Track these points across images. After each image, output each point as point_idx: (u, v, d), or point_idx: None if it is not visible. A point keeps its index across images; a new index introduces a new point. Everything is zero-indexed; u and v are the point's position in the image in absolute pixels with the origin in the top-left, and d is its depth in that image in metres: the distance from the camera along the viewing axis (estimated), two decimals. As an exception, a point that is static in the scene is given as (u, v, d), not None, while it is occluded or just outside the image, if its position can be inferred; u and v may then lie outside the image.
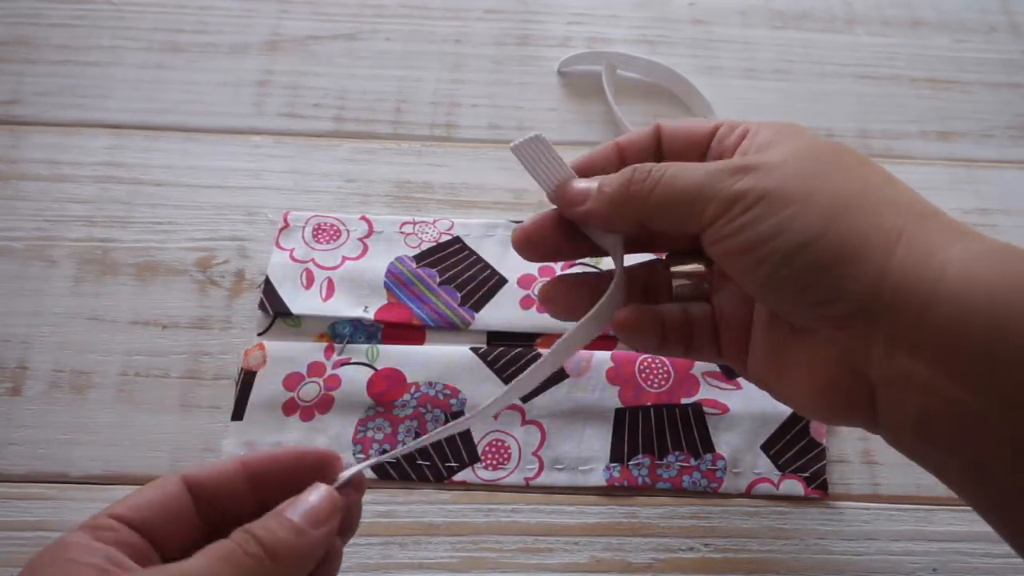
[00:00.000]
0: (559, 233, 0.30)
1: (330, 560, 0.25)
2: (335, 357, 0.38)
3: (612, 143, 0.30)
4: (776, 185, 0.24)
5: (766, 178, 0.24)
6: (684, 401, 0.37)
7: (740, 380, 0.38)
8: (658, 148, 0.30)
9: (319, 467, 0.26)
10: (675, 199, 0.26)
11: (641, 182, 0.26)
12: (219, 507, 0.25)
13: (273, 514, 0.24)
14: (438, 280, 0.40)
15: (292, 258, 0.41)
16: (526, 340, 0.39)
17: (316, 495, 0.24)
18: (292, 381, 0.37)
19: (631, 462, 0.36)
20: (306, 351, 0.38)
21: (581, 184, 0.29)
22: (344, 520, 0.25)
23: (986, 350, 0.21)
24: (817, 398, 0.26)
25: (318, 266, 0.40)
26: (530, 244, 0.30)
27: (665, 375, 0.38)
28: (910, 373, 0.22)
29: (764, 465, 0.36)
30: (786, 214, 0.24)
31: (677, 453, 0.36)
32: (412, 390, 0.37)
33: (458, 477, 0.36)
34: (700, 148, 0.29)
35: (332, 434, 0.36)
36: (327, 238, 0.41)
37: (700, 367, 0.38)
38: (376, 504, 0.35)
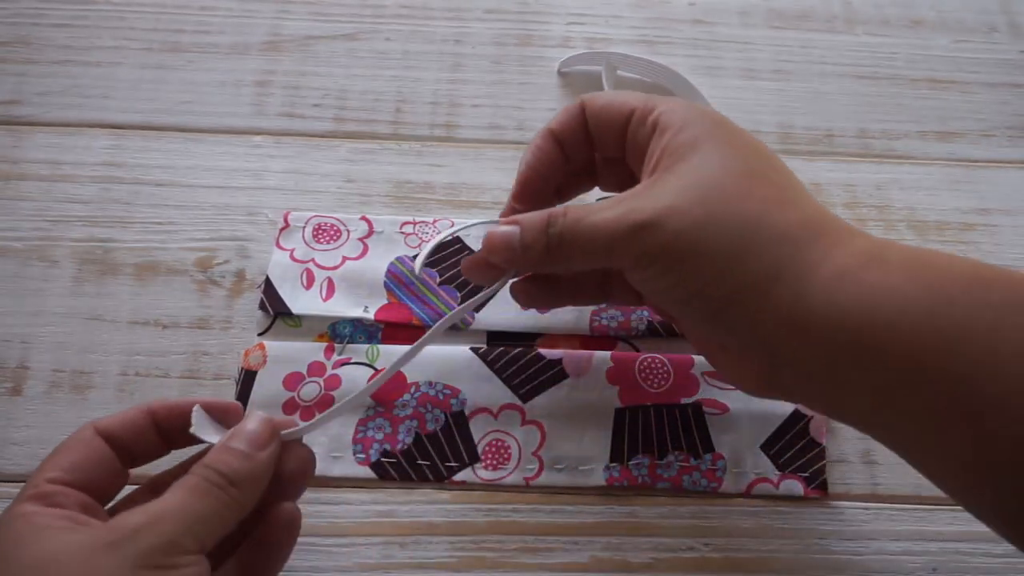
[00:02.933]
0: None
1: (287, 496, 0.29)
2: (335, 357, 0.38)
3: (547, 130, 0.33)
4: (670, 242, 0.27)
5: (662, 235, 0.27)
6: (684, 401, 0.37)
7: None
8: (586, 129, 0.33)
9: (221, 417, 0.29)
10: (590, 257, 0.29)
11: (557, 244, 0.29)
12: (131, 452, 0.28)
13: (221, 447, 0.27)
14: (438, 280, 0.40)
15: (292, 258, 0.41)
16: (526, 340, 0.39)
17: (253, 423, 0.28)
18: (292, 381, 0.37)
19: (631, 462, 0.36)
20: (306, 351, 0.38)
21: (504, 231, 0.31)
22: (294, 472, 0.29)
23: (848, 356, 0.25)
24: (742, 382, 0.31)
25: (318, 266, 0.40)
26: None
27: (665, 375, 0.38)
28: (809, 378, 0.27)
29: (764, 465, 0.36)
30: (681, 269, 0.27)
31: (677, 453, 0.36)
32: (412, 390, 0.37)
33: (458, 477, 0.36)
34: (619, 133, 0.32)
35: (332, 434, 0.36)
36: (327, 238, 0.41)
37: (700, 367, 0.38)
38: (376, 504, 0.35)
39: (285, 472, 0.29)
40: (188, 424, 0.28)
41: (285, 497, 0.29)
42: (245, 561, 0.28)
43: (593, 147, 0.34)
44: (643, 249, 0.28)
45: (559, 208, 0.30)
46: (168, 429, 0.29)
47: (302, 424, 0.30)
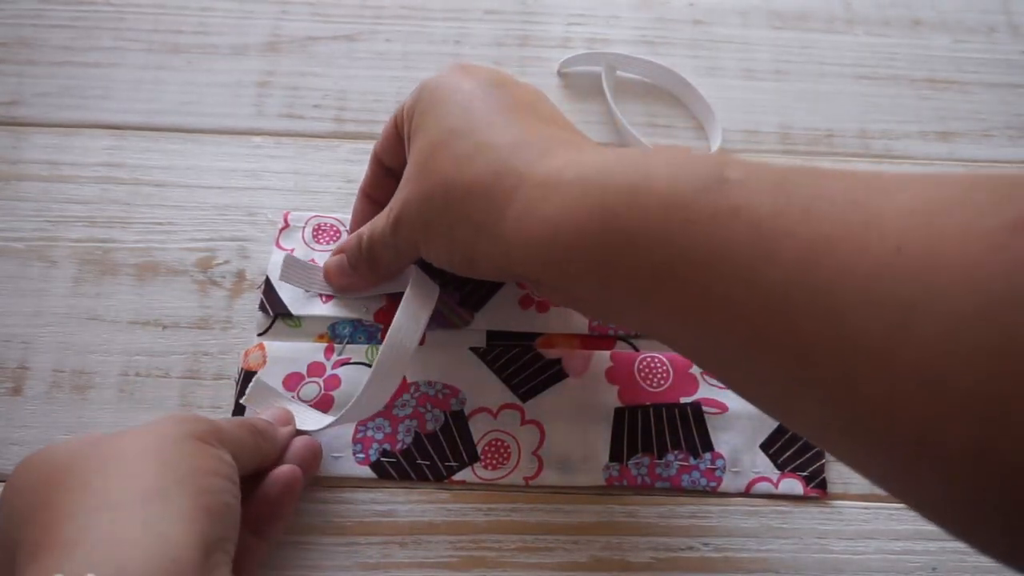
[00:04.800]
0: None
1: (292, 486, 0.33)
2: (335, 357, 0.38)
3: (361, 194, 0.39)
4: (414, 227, 0.32)
5: (409, 223, 0.33)
6: (683, 400, 0.37)
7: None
8: (392, 174, 0.37)
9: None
10: (399, 258, 0.35)
11: (371, 258, 0.36)
12: None
13: (255, 418, 0.34)
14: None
15: (292, 258, 0.41)
16: (525, 339, 0.39)
17: (276, 410, 0.35)
18: (292, 381, 0.37)
19: (630, 461, 0.36)
20: (306, 351, 0.38)
21: (334, 260, 0.38)
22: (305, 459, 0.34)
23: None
24: None
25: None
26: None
27: (664, 374, 0.38)
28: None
29: (763, 464, 0.36)
30: (430, 244, 0.32)
31: (676, 452, 0.36)
32: (412, 390, 0.37)
33: (457, 476, 0.36)
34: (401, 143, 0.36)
35: (332, 434, 0.36)
36: (327, 238, 0.41)
37: (699, 367, 0.38)
38: (376, 503, 0.35)
39: (296, 454, 0.34)
40: None
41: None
42: (252, 513, 0.31)
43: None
44: (408, 238, 0.33)
45: (365, 226, 0.36)
46: None
47: (312, 420, 0.35)
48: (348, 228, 0.39)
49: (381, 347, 0.34)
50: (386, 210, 0.34)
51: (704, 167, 0.25)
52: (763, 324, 0.22)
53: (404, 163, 0.35)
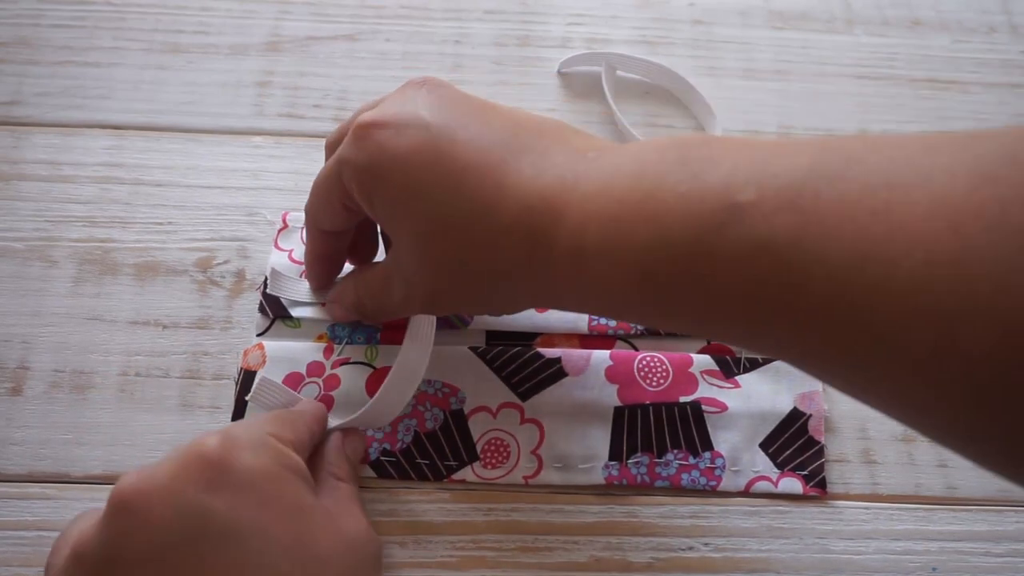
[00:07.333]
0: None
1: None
2: (334, 357, 0.38)
3: (313, 258, 0.38)
4: (444, 308, 0.34)
5: (439, 309, 0.34)
6: (683, 399, 0.37)
7: (739, 379, 0.38)
8: (332, 236, 0.36)
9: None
10: (392, 315, 0.36)
11: (370, 314, 0.37)
12: None
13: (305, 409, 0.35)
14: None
15: (291, 259, 0.41)
16: (525, 339, 0.39)
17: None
18: (292, 381, 0.37)
19: (630, 460, 0.36)
20: (305, 351, 0.38)
21: (338, 310, 0.38)
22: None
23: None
24: None
25: (318, 266, 0.40)
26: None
27: (664, 374, 0.38)
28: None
29: (763, 463, 0.36)
30: (433, 302, 0.33)
31: (676, 451, 0.36)
32: (411, 389, 0.37)
33: (457, 476, 0.36)
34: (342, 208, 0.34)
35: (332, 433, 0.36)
36: (327, 238, 0.41)
37: (699, 366, 0.38)
38: (376, 503, 0.35)
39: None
40: None
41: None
42: None
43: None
44: (438, 312, 0.35)
45: (360, 295, 0.36)
46: None
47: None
48: (309, 282, 0.39)
49: (389, 374, 0.35)
50: (394, 288, 0.33)
51: (713, 196, 0.24)
52: (808, 344, 0.23)
53: (347, 226, 0.35)
